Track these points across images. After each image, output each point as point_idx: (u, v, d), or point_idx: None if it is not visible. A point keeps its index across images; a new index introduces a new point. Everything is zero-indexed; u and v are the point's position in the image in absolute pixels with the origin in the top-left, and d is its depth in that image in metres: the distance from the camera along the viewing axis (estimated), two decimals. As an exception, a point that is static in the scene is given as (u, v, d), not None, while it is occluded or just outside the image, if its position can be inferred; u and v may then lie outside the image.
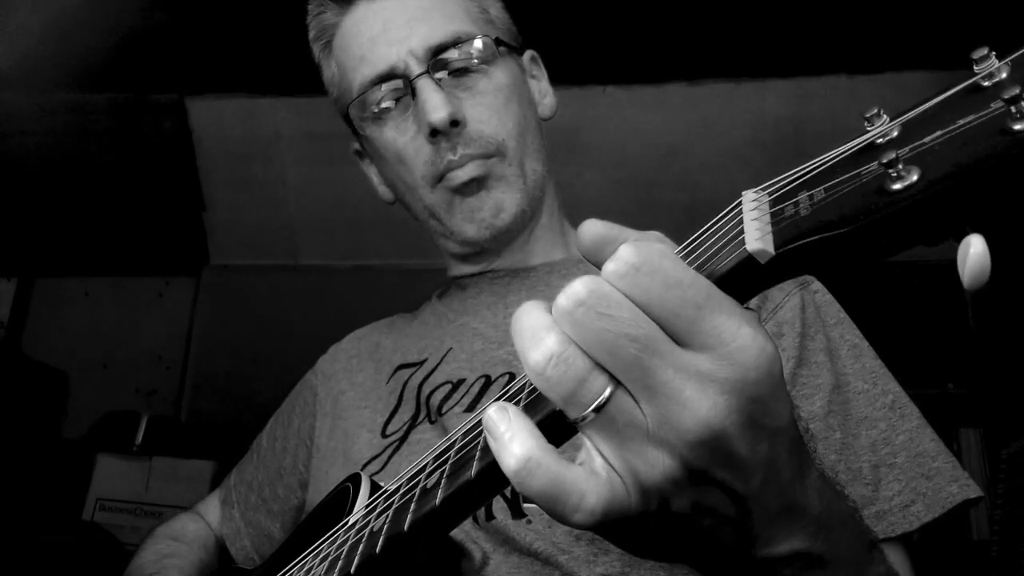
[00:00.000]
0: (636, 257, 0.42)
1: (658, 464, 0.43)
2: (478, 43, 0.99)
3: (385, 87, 0.99)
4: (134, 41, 2.63)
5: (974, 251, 0.36)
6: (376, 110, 1.01)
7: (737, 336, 0.42)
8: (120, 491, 2.83)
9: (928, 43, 2.46)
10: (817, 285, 0.94)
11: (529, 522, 0.79)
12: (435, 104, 0.94)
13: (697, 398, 0.42)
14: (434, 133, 0.95)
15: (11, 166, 3.01)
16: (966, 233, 0.36)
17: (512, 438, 0.44)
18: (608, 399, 0.43)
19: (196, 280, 3.47)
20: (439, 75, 0.98)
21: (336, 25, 1.05)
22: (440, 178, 0.98)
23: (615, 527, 0.46)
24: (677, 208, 2.82)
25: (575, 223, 1.13)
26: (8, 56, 2.53)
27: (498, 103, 0.99)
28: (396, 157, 1.01)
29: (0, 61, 2.53)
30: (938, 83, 0.38)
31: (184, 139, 3.12)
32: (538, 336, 0.44)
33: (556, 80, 1.14)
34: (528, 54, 1.12)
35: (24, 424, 2.96)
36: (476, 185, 0.97)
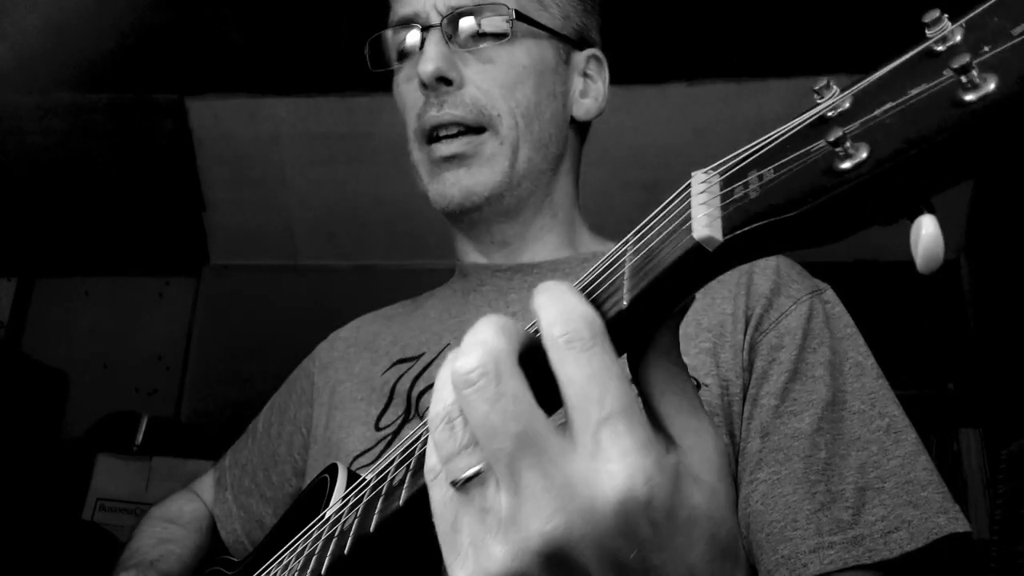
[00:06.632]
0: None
1: (496, 559, 0.40)
2: (500, 15, 0.96)
3: (408, 32, 1.00)
4: (134, 41, 2.63)
5: (926, 232, 0.34)
6: (396, 52, 1.02)
7: (607, 465, 0.38)
8: (120, 491, 2.83)
9: (928, 43, 2.45)
10: (830, 295, 0.91)
11: None
12: (428, 56, 0.93)
13: (551, 509, 0.39)
14: (424, 86, 0.95)
15: (11, 166, 3.01)
16: (920, 212, 0.34)
17: None
18: (471, 478, 0.41)
19: (196, 280, 3.47)
20: (458, 35, 0.96)
21: None
22: (428, 137, 0.97)
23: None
24: (677, 208, 2.81)
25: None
26: (8, 56, 2.52)
27: (507, 78, 0.96)
28: (401, 103, 1.03)
29: (0, 61, 2.53)
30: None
31: (184, 139, 3.11)
32: (444, 389, 0.42)
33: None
34: (587, 52, 1.07)
35: (24, 424, 2.96)
36: (457, 161, 0.96)
